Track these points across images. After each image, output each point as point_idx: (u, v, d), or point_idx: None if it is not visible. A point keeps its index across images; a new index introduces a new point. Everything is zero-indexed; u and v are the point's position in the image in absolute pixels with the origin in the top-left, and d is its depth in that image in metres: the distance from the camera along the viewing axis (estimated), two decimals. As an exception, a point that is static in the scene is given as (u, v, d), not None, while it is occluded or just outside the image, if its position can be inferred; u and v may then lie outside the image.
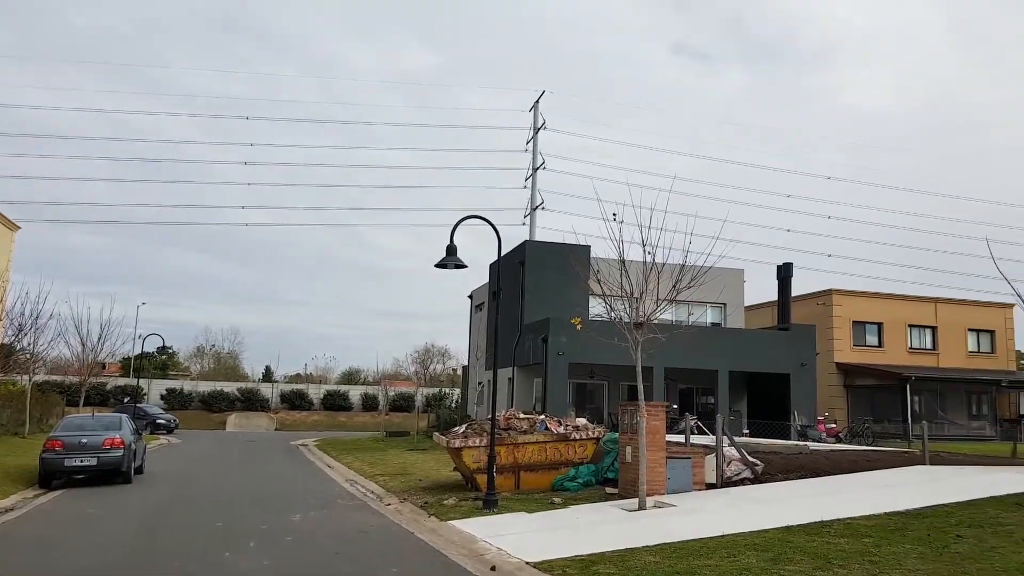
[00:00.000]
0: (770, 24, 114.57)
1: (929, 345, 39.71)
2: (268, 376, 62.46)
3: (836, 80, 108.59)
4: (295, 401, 50.21)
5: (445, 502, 12.68)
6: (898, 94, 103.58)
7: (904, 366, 36.82)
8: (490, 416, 13.16)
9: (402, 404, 49.77)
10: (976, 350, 40.58)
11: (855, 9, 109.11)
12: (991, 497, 10.50)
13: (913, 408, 35.00)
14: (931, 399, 37.21)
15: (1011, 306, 40.64)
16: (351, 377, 64.97)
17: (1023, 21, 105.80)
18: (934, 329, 39.77)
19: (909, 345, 39.21)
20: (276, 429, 44.80)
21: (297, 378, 64.55)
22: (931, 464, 15.42)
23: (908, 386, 34.78)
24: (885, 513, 9.78)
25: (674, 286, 12.08)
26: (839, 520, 9.43)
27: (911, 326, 39.40)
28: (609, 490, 13.29)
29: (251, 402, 48.82)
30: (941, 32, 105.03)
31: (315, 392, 52.20)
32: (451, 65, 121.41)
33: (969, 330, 40.38)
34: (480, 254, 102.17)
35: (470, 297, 41.61)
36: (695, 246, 12.28)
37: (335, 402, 50.76)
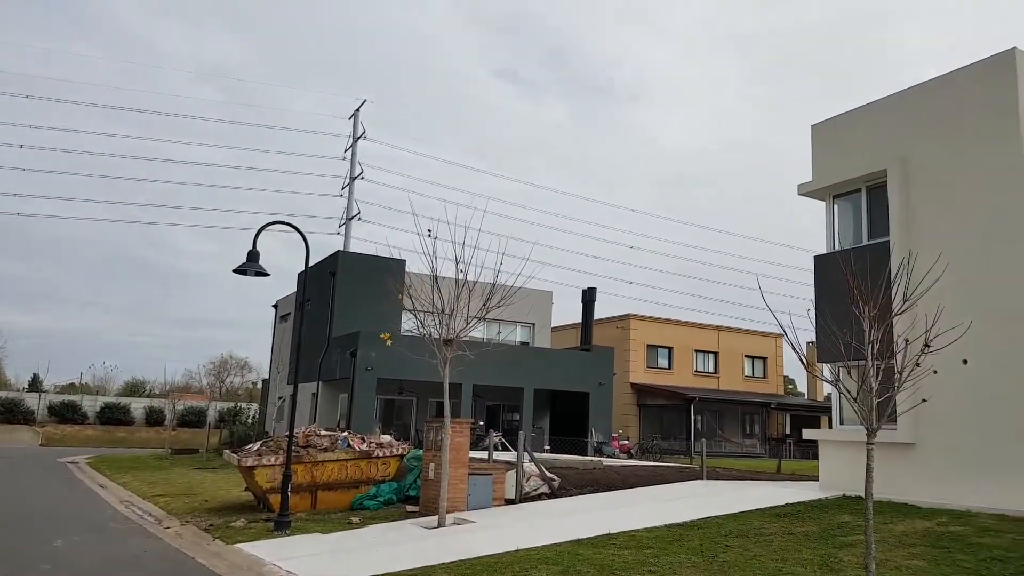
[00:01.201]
0: (591, 60, 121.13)
1: (712, 369, 43.41)
2: (35, 385, 55.78)
3: (648, 118, 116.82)
4: (66, 414, 45.10)
5: (233, 524, 11.89)
6: (703, 135, 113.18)
7: (689, 388, 39.95)
8: (288, 433, 12.55)
9: (192, 419, 46.40)
10: (751, 375, 44.93)
11: (668, 55, 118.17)
12: (756, 509, 11.51)
13: (696, 426, 38.01)
14: (712, 418, 40.63)
15: (780, 336, 45.60)
16: (135, 388, 59.58)
17: (808, 80, 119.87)
18: (716, 354, 43.57)
19: (695, 368, 42.64)
20: (42, 444, 39.99)
21: (71, 388, 58.26)
22: (708, 479, 16.70)
23: (692, 406, 37.74)
24: (665, 525, 10.41)
25: (484, 304, 12.24)
26: (624, 532, 9.92)
27: (697, 351, 42.90)
28: (410, 508, 13.13)
29: (12, 413, 43.21)
30: (741, 82, 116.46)
31: (90, 404, 47.24)
32: (270, 64, 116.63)
33: (746, 356, 44.65)
34: (291, 262, 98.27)
35: (275, 307, 39.82)
36: (506, 266, 12.56)
37: (114, 416, 46.18)
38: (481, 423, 28.10)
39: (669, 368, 41.67)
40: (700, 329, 43.28)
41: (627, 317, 40.95)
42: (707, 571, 7.79)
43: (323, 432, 14.67)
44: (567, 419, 31.49)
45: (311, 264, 14.26)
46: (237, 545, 10.16)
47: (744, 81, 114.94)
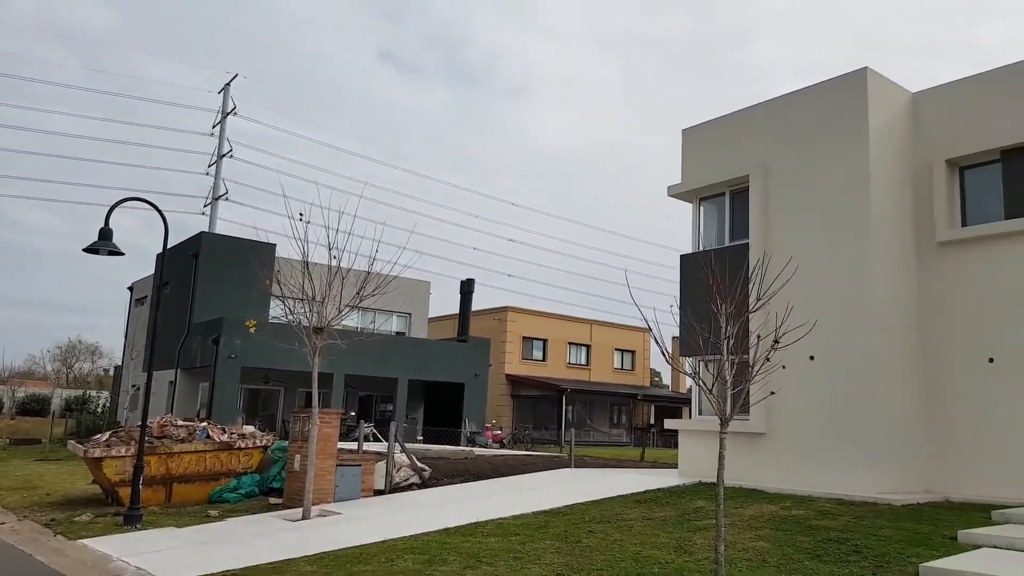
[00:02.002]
0: (476, 50, 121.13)
1: (584, 361, 44.63)
2: None
3: (530, 114, 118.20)
4: None
5: (78, 519, 11.09)
6: (582, 133, 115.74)
7: (562, 379, 40.90)
8: (141, 422, 11.84)
9: (35, 408, 42.94)
10: (620, 367, 46.54)
11: (551, 53, 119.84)
12: (619, 496, 11.93)
13: (567, 417, 38.99)
14: (582, 409, 41.79)
15: (648, 330, 47.48)
16: (-35, 375, 54.44)
17: (680, 86, 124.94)
18: (589, 347, 44.83)
19: (568, 360, 43.69)
20: None
21: None
22: (576, 467, 17.15)
23: (564, 397, 38.67)
24: (533, 512, 10.60)
25: (358, 293, 11.99)
26: (493, 520, 10.02)
27: (571, 343, 43.98)
28: (273, 500, 12.71)
29: None
30: (620, 84, 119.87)
31: (-88, 390, 42.80)
32: (133, 30, 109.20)
33: (616, 349, 46.20)
34: (152, 242, 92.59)
35: (130, 289, 37.47)
36: (382, 254, 12.34)
37: (-61, 403, 42.09)
38: (352, 413, 27.63)
39: (543, 360, 42.49)
40: (574, 323, 44.38)
41: (504, 309, 41.40)
42: (570, 556, 7.99)
43: (180, 422, 13.94)
44: (442, 410, 31.50)
45: (171, 245, 13.47)
46: (82, 541, 9.51)
47: (623, 83, 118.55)
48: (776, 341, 6.69)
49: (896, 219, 13.04)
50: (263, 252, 22.38)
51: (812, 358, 12.53)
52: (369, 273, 11.94)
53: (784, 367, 12.21)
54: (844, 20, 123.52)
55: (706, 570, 7.14)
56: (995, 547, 8.00)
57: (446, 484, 14.19)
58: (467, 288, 34.69)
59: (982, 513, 9.97)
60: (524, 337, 41.71)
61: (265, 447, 13.98)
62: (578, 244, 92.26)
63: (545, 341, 42.70)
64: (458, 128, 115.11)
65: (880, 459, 11.84)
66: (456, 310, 36.00)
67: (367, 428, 16.82)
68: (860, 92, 12.94)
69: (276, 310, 24.46)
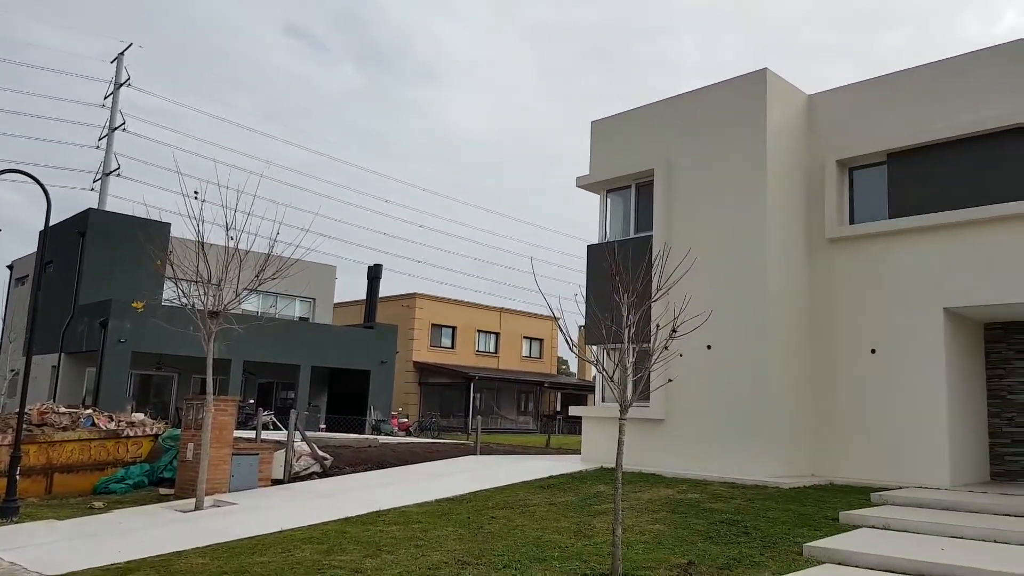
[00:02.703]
0: (387, 30, 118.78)
1: (493, 349, 44.80)
2: None
3: (442, 99, 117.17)
4: None
5: (-57, 514, 10.30)
6: (494, 120, 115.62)
7: (470, 367, 40.93)
8: (19, 409, 11.10)
9: (-100, 395, 39.70)
10: (529, 355, 46.97)
11: (463, 38, 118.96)
12: (523, 482, 12.04)
13: (475, 404, 39.09)
14: (490, 397, 41.97)
15: (558, 318, 48.14)
16: None
17: (591, 77, 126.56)
18: (498, 335, 45.01)
19: (477, 348, 43.74)
20: None
21: None
22: (482, 454, 17.21)
23: (472, 385, 38.75)
24: (436, 500, 10.57)
25: (257, 275, 11.59)
26: (395, 509, 9.93)
27: (480, 331, 44.04)
28: (164, 491, 12.18)
29: None
30: (531, 74, 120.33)
31: None
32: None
33: (524, 337, 46.57)
34: (32, 217, 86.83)
35: (10, 267, 35.09)
36: (284, 236, 11.97)
37: None
38: (251, 401, 26.82)
39: (452, 347, 42.41)
40: (484, 310, 44.47)
41: (413, 296, 41.03)
42: (472, 542, 7.99)
43: (63, 409, 13.16)
44: (346, 397, 30.97)
45: (57, 221, 12.64)
46: (-54, 538, 8.83)
47: (536, 72, 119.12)
48: (674, 330, 6.87)
49: (790, 216, 13.62)
50: (156, 231, 21.22)
51: (709, 347, 12.97)
52: (269, 255, 11.56)
53: (681, 355, 12.60)
54: (754, 20, 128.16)
55: (604, 553, 7.28)
56: (872, 527, 8.50)
57: (348, 473, 13.95)
58: (375, 273, 34.17)
59: (862, 495, 10.59)
60: (433, 324, 41.49)
61: (156, 436, 13.39)
62: (489, 232, 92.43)
63: (454, 328, 42.61)
64: (368, 110, 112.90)
65: (770, 444, 12.38)
66: (363, 296, 35.43)
67: (266, 416, 16.37)
68: (759, 92, 13.42)
69: (170, 292, 23.44)
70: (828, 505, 9.78)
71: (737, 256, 13.15)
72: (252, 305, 25.66)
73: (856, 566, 6.85)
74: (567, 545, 7.82)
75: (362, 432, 25.91)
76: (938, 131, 12.60)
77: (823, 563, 6.98)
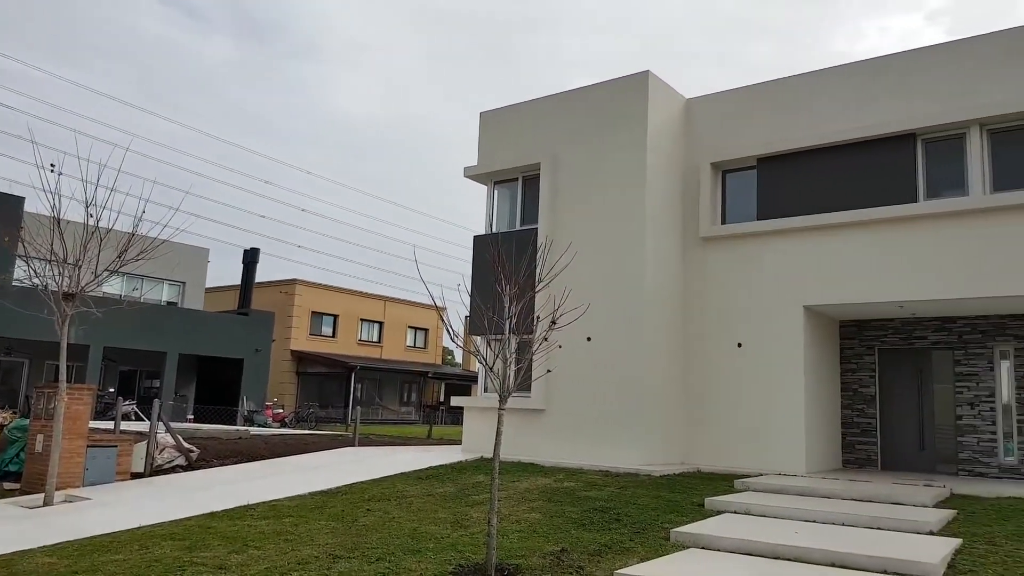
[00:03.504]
0: (268, 3, 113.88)
1: (376, 338, 44.13)
2: None
3: (326, 79, 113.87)
4: None
5: None
6: (382, 104, 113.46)
7: (352, 356, 40.16)
8: None
9: None
10: (413, 345, 46.59)
11: (348, 16, 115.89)
12: (401, 473, 11.90)
13: (356, 395, 38.40)
14: (372, 387, 41.34)
15: (443, 308, 48.00)
16: None
17: (481, 67, 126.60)
18: (382, 324, 44.37)
19: (359, 337, 42.95)
20: None
21: None
22: (360, 446, 16.91)
23: (353, 374, 38.03)
24: (310, 493, 10.27)
25: (119, 256, 10.85)
26: (265, 502, 9.57)
27: (363, 320, 43.26)
28: (8, 486, 11.25)
29: None
30: (421, 57, 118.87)
31: None
32: None
33: (409, 327, 46.15)
34: None
35: None
36: (151, 214, 11.25)
37: None
38: (111, 390, 25.23)
39: (333, 336, 41.43)
40: (367, 299, 43.69)
41: (292, 282, 39.75)
42: (345, 535, 7.81)
43: None
44: (217, 387, 29.68)
45: None
46: None
47: (426, 57, 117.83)
48: (554, 322, 6.95)
49: (667, 214, 14.11)
50: (7, 205, 19.63)
51: (589, 339, 13.26)
52: (134, 235, 10.84)
53: (560, 347, 12.83)
54: (641, 20, 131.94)
55: (480, 543, 7.29)
56: (735, 512, 8.95)
57: (216, 466, 13.36)
58: (251, 258, 32.88)
59: (727, 482, 11.14)
60: (313, 312, 40.37)
61: (2, 426, 12.32)
62: (375, 218, 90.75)
63: (335, 317, 41.63)
64: (248, 86, 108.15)
65: (644, 434, 12.81)
66: (238, 281, 34.00)
67: (127, 406, 15.42)
68: (641, 94, 13.81)
69: (21, 272, 21.63)
70: (695, 492, 10.22)
71: (617, 252, 13.50)
72: (114, 288, 24.10)
73: (718, 549, 7.18)
74: (443, 536, 7.78)
75: (234, 423, 24.90)
76: (803, 139, 13.40)
77: (688, 547, 7.28)
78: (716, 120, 14.56)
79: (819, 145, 13.27)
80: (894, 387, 14.02)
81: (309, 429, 26.81)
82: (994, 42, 11.97)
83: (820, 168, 13.30)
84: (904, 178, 12.44)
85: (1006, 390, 12.89)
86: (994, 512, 8.98)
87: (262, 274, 34.73)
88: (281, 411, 31.72)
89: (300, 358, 39.08)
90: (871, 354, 14.27)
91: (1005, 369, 12.94)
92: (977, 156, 11.89)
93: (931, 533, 7.75)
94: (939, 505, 9.41)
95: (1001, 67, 11.81)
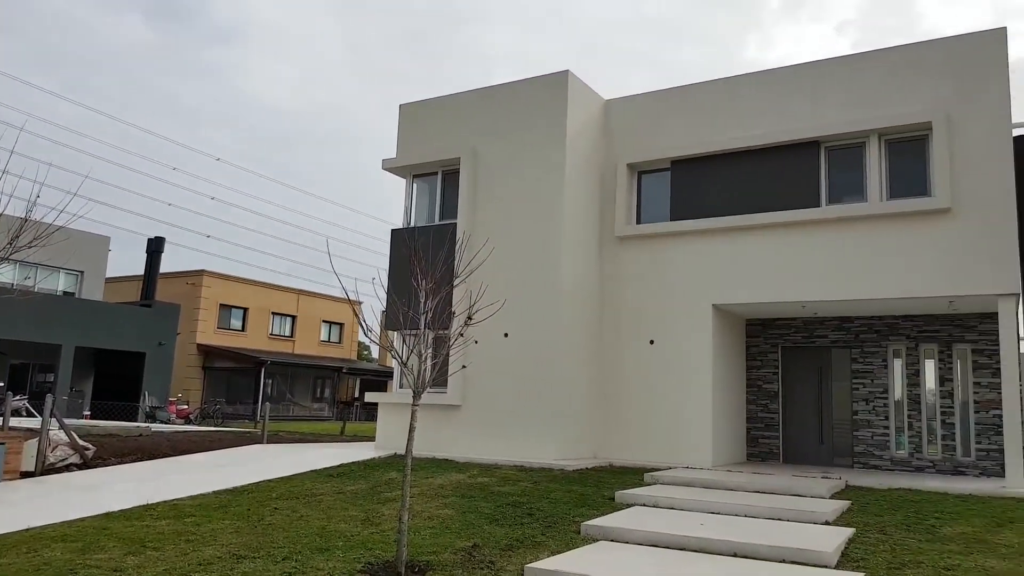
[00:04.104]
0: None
1: (288, 332, 43.03)
2: None
3: (243, 65, 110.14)
4: None
5: None
6: (301, 93, 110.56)
7: (263, 351, 39.05)
8: None
9: None
10: (328, 340, 45.67)
11: (267, 1, 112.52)
12: (312, 471, 11.64)
13: (266, 390, 37.37)
14: (283, 382, 40.31)
15: (360, 303, 47.20)
16: None
17: (403, 59, 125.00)
18: (295, 318, 43.30)
19: (270, 331, 41.81)
20: None
21: None
22: (269, 443, 16.44)
23: (264, 370, 36.99)
24: (214, 492, 9.92)
25: (11, 243, 10.18)
26: (166, 502, 9.17)
27: (274, 313, 42.11)
28: None
29: None
30: (340, 47, 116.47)
31: None
32: None
33: (323, 321, 45.21)
34: None
35: None
36: (47, 199, 10.60)
37: None
38: (1, 384, 23.72)
39: (243, 330, 40.17)
40: (279, 291, 42.55)
41: (200, 273, 38.30)
42: (250, 535, 7.57)
43: None
44: (117, 382, 28.32)
45: None
46: None
47: (345, 47, 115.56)
48: (470, 318, 6.92)
49: (585, 213, 14.30)
50: None
51: (506, 335, 13.30)
52: (26, 220, 10.19)
53: (477, 342, 12.83)
54: (568, 20, 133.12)
55: (391, 540, 7.19)
56: (644, 505, 9.15)
57: (115, 464, 12.73)
58: (155, 247, 31.52)
59: (638, 476, 11.37)
60: (222, 304, 39.02)
61: None
62: (290, 209, 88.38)
63: (245, 310, 40.36)
64: (157, 68, 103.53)
65: (558, 429, 12.95)
66: (142, 271, 32.53)
67: (17, 401, 14.52)
68: (561, 93, 13.93)
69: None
70: (607, 485, 10.39)
71: (535, 249, 13.58)
72: (5, 276, 22.66)
73: (627, 542, 7.31)
74: (353, 534, 7.65)
75: (134, 420, 23.82)
76: (714, 143, 13.81)
77: (598, 540, 7.39)
78: (633, 122, 14.83)
79: (730, 150, 13.70)
80: (796, 384, 14.64)
81: (216, 426, 25.92)
82: (894, 56, 12.63)
83: (730, 172, 13.74)
84: (808, 184, 12.99)
85: (898, 387, 13.65)
86: (885, 503, 9.48)
87: (168, 264, 33.36)
88: (186, 407, 30.55)
89: (207, 352, 37.74)
90: (775, 352, 14.86)
91: (898, 367, 13.71)
92: (875, 165, 12.53)
93: (827, 523, 8.12)
94: (835, 496, 9.87)
95: (899, 80, 12.47)
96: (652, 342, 13.82)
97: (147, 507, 8.90)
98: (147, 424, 20.53)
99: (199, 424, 27.02)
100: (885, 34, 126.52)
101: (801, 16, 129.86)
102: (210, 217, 57.61)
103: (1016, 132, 12.52)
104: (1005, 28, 11.85)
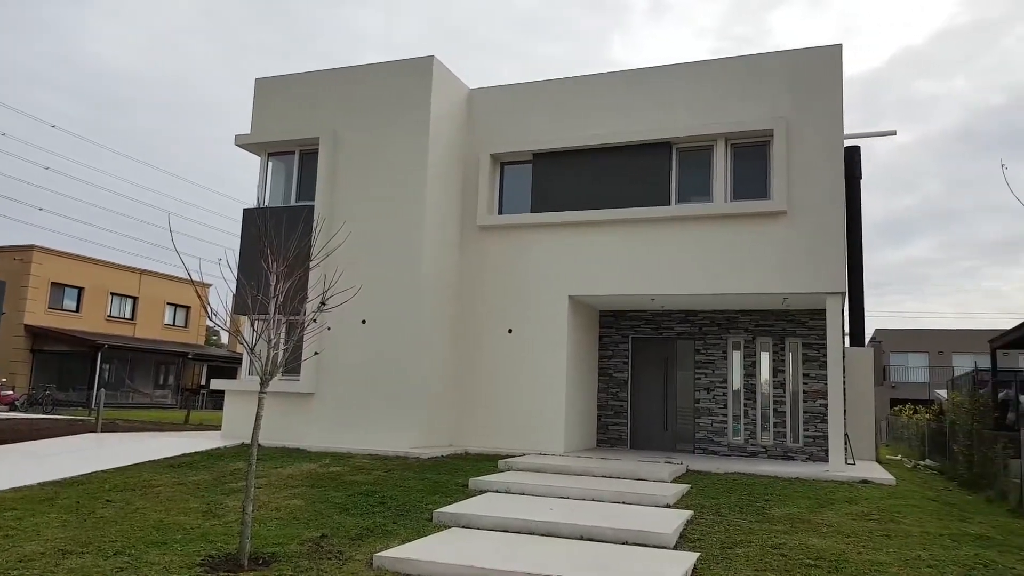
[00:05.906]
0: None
1: (129, 315, 40.25)
2: None
3: (83, 24, 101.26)
4: None
5: None
6: (147, 58, 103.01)
7: (100, 334, 36.34)
8: None
9: None
10: (172, 323, 43.08)
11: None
12: (150, 461, 10.98)
13: (103, 376, 34.81)
14: (122, 368, 37.67)
15: (208, 285, 44.72)
16: None
17: (264, 31, 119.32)
18: (136, 299, 40.54)
19: (108, 313, 38.95)
20: None
21: None
22: (104, 432, 15.38)
23: (100, 354, 34.44)
24: (39, 484, 9.17)
25: None
26: (-19, 497, 8.37)
27: (113, 294, 39.24)
28: None
29: None
30: (191, 12, 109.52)
31: None
32: None
33: (168, 303, 42.60)
34: None
35: None
36: None
37: None
38: None
39: (77, 311, 37.14)
40: (119, 271, 39.64)
41: (29, 248, 35.03)
42: (79, 529, 7.06)
43: None
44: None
45: None
46: None
47: (196, 13, 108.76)
48: (323, 303, 6.75)
49: (447, 201, 14.28)
50: None
51: (364, 322, 13.08)
52: None
53: (329, 328, 12.56)
54: (436, 5, 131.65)
55: (234, 532, 6.92)
56: (496, 491, 9.30)
57: (-81, 456, 11.46)
58: (-22, 219, 28.51)
59: (492, 463, 11.53)
60: (53, 283, 35.88)
61: None
62: (134, 183, 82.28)
63: (81, 289, 37.33)
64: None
65: (414, 417, 12.90)
66: (-40, 244, 29.36)
67: None
68: (426, 78, 13.81)
69: None
70: (461, 473, 10.47)
71: (396, 235, 13.42)
72: None
73: (479, 528, 7.41)
74: (193, 527, 7.29)
75: (-53, 407, 21.53)
76: (574, 139, 14.17)
77: (450, 527, 7.44)
78: (497, 112, 14.95)
79: (588, 146, 14.11)
80: (644, 373, 15.36)
81: (45, 413, 23.90)
82: (742, 64, 13.44)
83: (589, 167, 14.15)
84: (660, 182, 13.61)
85: (737, 377, 14.63)
86: (722, 486, 10.13)
87: (-9, 237, 30.21)
88: (11, 393, 27.96)
89: (36, 334, 34.66)
90: (626, 342, 15.51)
91: (737, 359, 14.68)
92: (721, 167, 13.31)
93: (667, 506, 8.58)
94: (676, 480, 10.44)
95: (744, 88, 13.29)
96: (510, 331, 14.04)
97: (-43, 503, 8.09)
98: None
99: (26, 411, 24.82)
100: (738, 42, 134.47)
101: (664, 20, 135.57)
102: (43, 188, 52.62)
103: (847, 143, 13.74)
104: (841, 45, 12.89)
